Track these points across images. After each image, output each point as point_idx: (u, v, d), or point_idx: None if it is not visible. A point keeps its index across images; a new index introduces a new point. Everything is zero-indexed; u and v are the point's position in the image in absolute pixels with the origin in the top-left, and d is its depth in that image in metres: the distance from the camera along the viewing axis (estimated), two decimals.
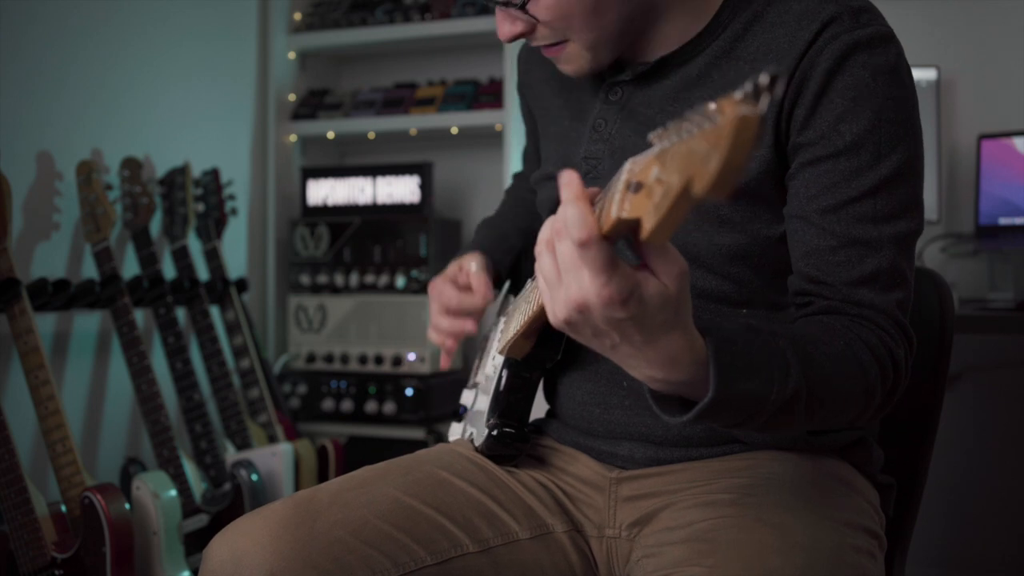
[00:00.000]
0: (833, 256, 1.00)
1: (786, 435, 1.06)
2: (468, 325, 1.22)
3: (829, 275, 1.00)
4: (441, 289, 1.24)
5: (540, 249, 0.79)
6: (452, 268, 1.27)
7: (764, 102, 0.59)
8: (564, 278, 0.76)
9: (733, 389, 0.83)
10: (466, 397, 1.30)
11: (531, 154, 1.42)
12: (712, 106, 0.62)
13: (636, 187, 0.70)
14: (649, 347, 0.79)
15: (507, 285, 1.37)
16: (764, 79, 0.60)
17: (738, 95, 0.60)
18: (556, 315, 0.79)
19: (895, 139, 1.00)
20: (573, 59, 1.09)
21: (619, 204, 0.72)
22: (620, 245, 0.76)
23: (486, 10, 2.76)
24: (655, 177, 0.66)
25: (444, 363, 1.28)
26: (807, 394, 0.88)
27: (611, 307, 0.75)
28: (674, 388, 0.84)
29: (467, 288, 1.24)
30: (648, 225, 0.67)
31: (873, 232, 0.99)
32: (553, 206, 1.20)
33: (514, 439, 1.14)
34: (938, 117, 2.40)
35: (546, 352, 1.14)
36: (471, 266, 1.24)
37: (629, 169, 0.72)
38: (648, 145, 0.70)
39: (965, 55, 2.51)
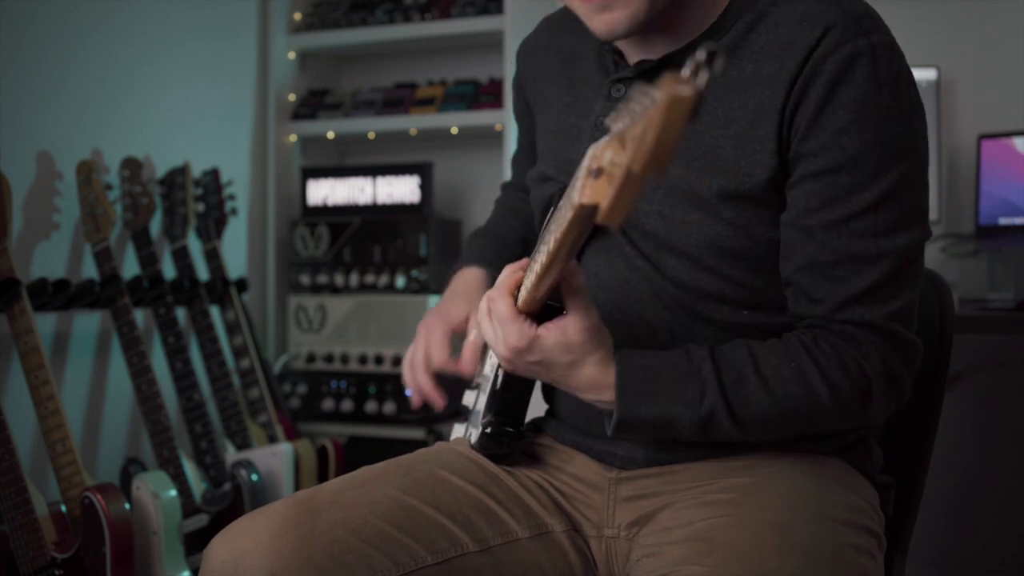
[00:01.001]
0: (831, 271, 1.00)
1: (787, 435, 1.06)
2: (437, 399, 1.25)
3: (823, 292, 1.01)
4: (439, 339, 1.23)
5: (480, 317, 1.02)
6: (459, 313, 1.25)
7: (702, 78, 0.62)
8: (491, 331, 1.00)
9: (637, 411, 0.99)
10: (468, 398, 1.30)
11: (522, 159, 1.41)
12: (654, 87, 0.64)
13: (597, 173, 0.72)
14: (570, 378, 1.00)
15: None
16: (701, 55, 0.62)
17: (684, 72, 0.62)
18: (501, 358, 1.01)
19: (898, 152, 1.00)
20: (625, 3, 1.02)
21: (580, 191, 0.75)
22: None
23: (486, 10, 2.76)
24: (609, 160, 0.69)
25: (416, 402, 1.28)
26: (729, 414, 0.99)
27: (520, 354, 0.98)
28: (609, 407, 1.01)
29: (459, 331, 1.24)
30: (603, 208, 0.69)
31: (873, 247, 0.99)
32: (547, 204, 1.20)
33: (508, 437, 1.14)
34: (938, 117, 2.40)
35: None
36: (474, 331, 1.20)
37: (591, 155, 0.74)
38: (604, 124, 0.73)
39: (965, 55, 2.51)
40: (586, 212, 0.76)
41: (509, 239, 1.37)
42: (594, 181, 0.72)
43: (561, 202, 0.87)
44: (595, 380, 0.99)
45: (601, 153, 0.71)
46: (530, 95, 1.30)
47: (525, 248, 1.36)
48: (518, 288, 0.98)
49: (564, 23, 1.25)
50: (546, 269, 0.89)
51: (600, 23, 1.05)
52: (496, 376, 1.15)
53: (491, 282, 1.28)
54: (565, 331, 0.96)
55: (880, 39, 1.00)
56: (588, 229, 0.84)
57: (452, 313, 1.26)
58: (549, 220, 0.96)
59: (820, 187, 1.00)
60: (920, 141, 1.03)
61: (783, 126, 1.01)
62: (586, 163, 0.75)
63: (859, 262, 0.99)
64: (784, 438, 1.06)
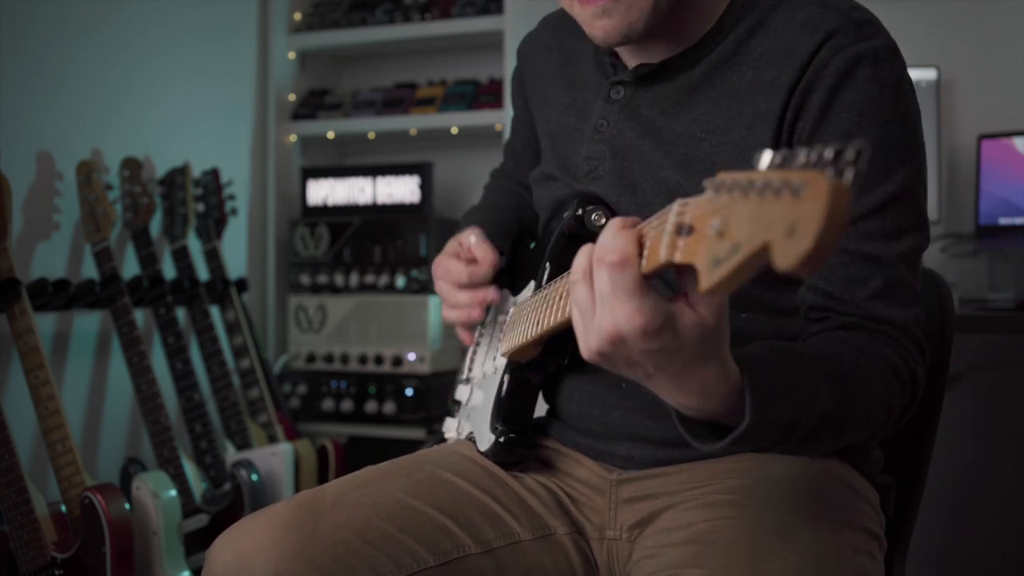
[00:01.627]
0: (845, 271, 1.00)
1: (855, 440, 1.00)
2: (490, 293, 1.20)
3: (845, 291, 1.00)
4: (447, 267, 1.22)
5: (576, 278, 0.79)
6: (452, 245, 1.25)
7: (849, 175, 0.56)
8: (599, 308, 0.77)
9: (767, 417, 0.82)
10: (460, 392, 1.29)
11: (516, 147, 1.41)
12: (766, 161, 0.59)
13: (688, 231, 0.67)
14: (684, 378, 0.79)
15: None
16: (851, 154, 0.56)
17: (812, 158, 0.57)
18: (589, 346, 0.79)
19: (901, 155, 1.00)
20: (632, 6, 1.03)
21: (668, 247, 0.70)
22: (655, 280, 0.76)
23: (486, 10, 2.76)
24: (716, 229, 0.63)
25: (468, 339, 1.26)
26: (835, 415, 0.89)
27: (645, 337, 0.75)
28: (707, 415, 0.83)
29: (471, 262, 1.21)
30: (710, 279, 0.64)
31: (883, 249, 0.99)
32: (555, 205, 1.20)
33: (521, 445, 1.13)
34: (938, 117, 2.40)
35: (553, 357, 1.13)
36: (470, 239, 1.22)
37: (678, 212, 0.70)
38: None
39: (965, 55, 2.51)
40: (671, 268, 0.71)
41: (506, 216, 1.36)
42: (685, 239, 0.67)
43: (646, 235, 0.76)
44: (714, 382, 0.79)
45: (700, 216, 0.66)
46: (529, 92, 1.31)
47: (521, 228, 1.35)
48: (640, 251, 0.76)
49: (563, 24, 1.25)
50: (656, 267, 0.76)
51: (598, 29, 1.05)
52: (502, 381, 1.15)
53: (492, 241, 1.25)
54: (700, 314, 0.75)
55: (881, 43, 1.00)
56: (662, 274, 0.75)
57: (447, 250, 1.24)
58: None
59: None
60: (921, 145, 1.03)
61: (782, 132, 1.01)
62: (672, 217, 0.69)
63: (871, 262, 0.99)
64: (849, 445, 1.01)
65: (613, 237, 0.76)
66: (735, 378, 0.80)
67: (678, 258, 0.68)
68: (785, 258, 0.57)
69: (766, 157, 0.60)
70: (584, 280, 0.78)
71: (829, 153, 0.56)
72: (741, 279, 0.63)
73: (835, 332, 0.99)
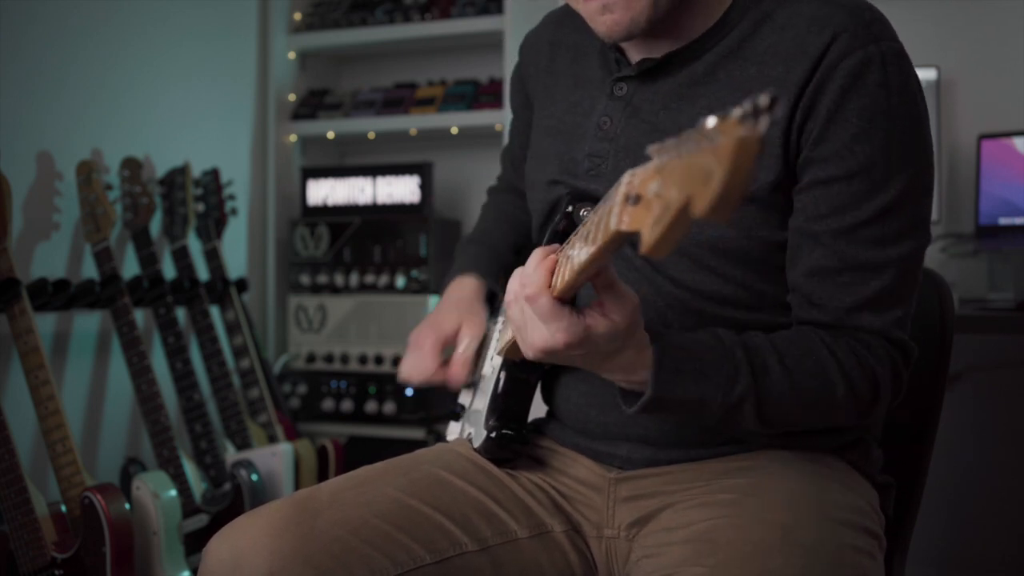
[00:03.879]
0: (838, 277, 1.01)
1: (793, 428, 1.06)
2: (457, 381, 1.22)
3: (829, 298, 1.02)
4: (427, 352, 1.22)
5: (509, 299, 0.96)
6: (450, 323, 1.24)
7: (764, 123, 0.59)
8: (528, 324, 0.93)
9: (672, 391, 0.96)
10: (463, 396, 1.30)
11: (516, 154, 1.40)
12: (711, 123, 0.61)
13: (635, 199, 0.70)
14: (607, 364, 0.95)
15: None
16: (764, 100, 0.59)
17: (737, 114, 0.60)
18: (527, 353, 0.95)
19: (907, 158, 1.00)
20: (627, 4, 1.03)
21: (618, 216, 0.73)
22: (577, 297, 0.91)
23: (486, 10, 2.76)
24: (654, 191, 0.67)
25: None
26: (756, 402, 0.98)
27: (569, 348, 0.91)
28: (634, 386, 0.98)
29: (446, 342, 1.23)
30: (648, 240, 0.67)
31: (880, 255, 1.00)
32: (551, 208, 1.19)
33: (513, 441, 1.14)
34: (938, 117, 2.40)
35: None
36: (464, 342, 1.22)
37: (628, 181, 0.73)
38: (646, 152, 0.71)
39: (965, 55, 2.50)
40: (622, 237, 0.76)
41: (501, 248, 1.36)
42: (632, 208, 0.71)
43: (587, 220, 0.85)
44: (631, 362, 0.95)
45: (643, 181, 0.70)
46: (531, 88, 1.30)
47: (517, 257, 1.35)
48: (550, 282, 0.91)
49: (567, 19, 1.25)
50: (576, 275, 0.87)
51: (602, 24, 1.06)
52: (498, 379, 1.15)
53: (486, 291, 1.28)
54: (612, 320, 0.90)
55: (889, 46, 1.01)
56: (618, 248, 0.82)
57: (443, 324, 1.24)
58: (576, 230, 0.91)
59: (830, 194, 1.00)
60: (928, 147, 1.03)
61: (791, 131, 1.01)
62: (622, 188, 0.74)
63: (865, 271, 1.01)
64: (787, 431, 1.06)
65: (534, 269, 0.91)
66: (649, 357, 0.95)
67: (624, 227, 0.72)
68: (699, 204, 0.61)
69: (710, 120, 0.62)
70: (515, 303, 0.94)
71: (748, 106, 0.60)
72: (675, 237, 0.66)
73: (802, 327, 1.03)
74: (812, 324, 1.04)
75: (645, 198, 0.69)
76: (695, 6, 1.07)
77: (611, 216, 0.75)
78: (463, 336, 1.22)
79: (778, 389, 0.98)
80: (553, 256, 0.92)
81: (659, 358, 0.95)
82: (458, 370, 1.20)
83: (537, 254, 0.93)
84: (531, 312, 0.91)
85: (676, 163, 0.64)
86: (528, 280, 0.91)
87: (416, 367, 1.22)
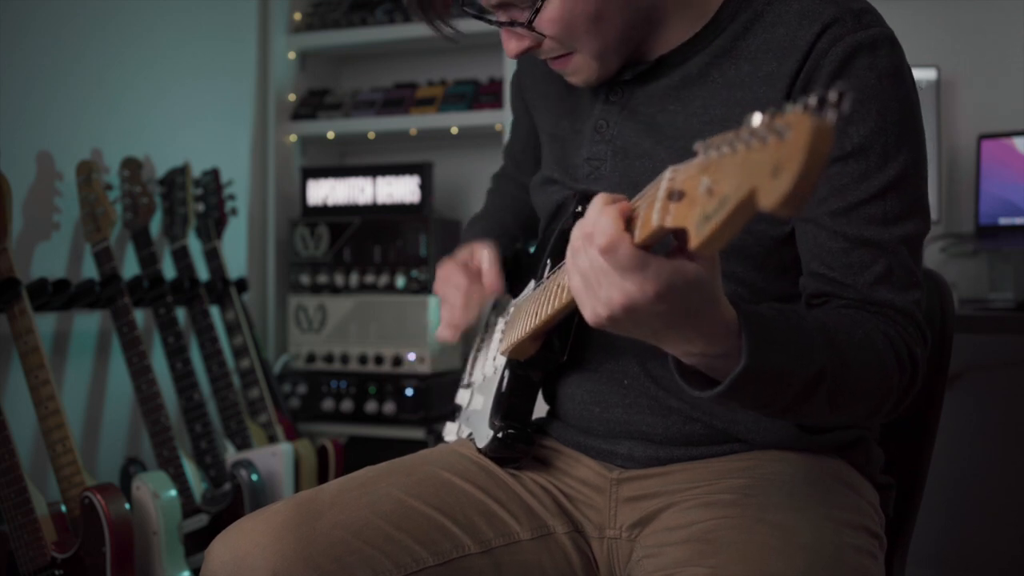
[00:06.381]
0: (847, 258, 1.00)
1: (851, 414, 1.00)
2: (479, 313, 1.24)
3: (846, 276, 1.00)
4: (451, 277, 1.26)
5: (576, 246, 0.82)
6: (464, 254, 1.28)
7: (832, 115, 0.59)
8: (602, 280, 0.79)
9: (764, 360, 0.84)
10: (461, 396, 1.30)
11: (516, 149, 1.41)
12: (757, 120, 0.62)
13: (678, 196, 0.70)
14: (688, 327, 0.81)
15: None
16: (833, 95, 0.60)
17: (799, 108, 0.60)
18: (597, 313, 0.81)
19: (901, 140, 1.00)
20: (582, 69, 1.10)
21: (660, 213, 0.72)
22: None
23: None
24: (705, 187, 0.66)
25: (449, 336, 1.27)
26: (831, 376, 0.90)
27: (658, 301, 0.77)
28: (709, 362, 0.86)
29: (477, 275, 1.25)
30: (699, 236, 0.66)
31: (884, 234, 1.00)
32: (554, 208, 1.20)
33: (519, 440, 1.14)
34: (938, 117, 2.40)
35: (551, 354, 1.13)
36: (483, 256, 1.25)
37: (670, 178, 0.72)
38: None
39: (965, 55, 2.51)
40: (665, 233, 0.74)
41: (509, 225, 1.38)
42: (676, 204, 0.70)
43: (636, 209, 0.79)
44: (716, 324, 0.82)
45: (689, 178, 0.68)
46: (529, 97, 1.31)
47: (523, 234, 1.37)
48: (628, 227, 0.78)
49: None
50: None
51: (573, 80, 1.13)
52: (502, 379, 1.15)
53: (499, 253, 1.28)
54: (699, 264, 0.78)
55: (879, 31, 1.01)
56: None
57: (456, 258, 1.29)
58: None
59: (828, 176, 1.00)
60: (920, 132, 1.03)
61: None
62: (664, 184, 0.72)
63: (873, 248, 1.00)
64: (844, 420, 1.02)
65: (597, 216, 0.78)
66: (733, 321, 0.83)
67: (669, 223, 0.71)
68: (769, 197, 0.60)
69: (757, 117, 0.63)
70: (582, 255, 0.80)
71: (813, 100, 0.60)
72: (732, 232, 0.65)
73: (836, 309, 1.00)
74: (837, 299, 1.01)
75: (690, 195, 0.68)
76: (682, 7, 1.08)
77: (652, 212, 0.73)
78: (478, 256, 1.26)
79: (844, 361, 0.91)
80: (624, 202, 0.79)
81: (747, 323, 0.83)
82: (492, 280, 1.23)
83: (600, 199, 0.80)
84: (606, 265, 0.77)
85: (729, 159, 0.64)
86: (598, 228, 0.77)
87: (448, 324, 1.24)
